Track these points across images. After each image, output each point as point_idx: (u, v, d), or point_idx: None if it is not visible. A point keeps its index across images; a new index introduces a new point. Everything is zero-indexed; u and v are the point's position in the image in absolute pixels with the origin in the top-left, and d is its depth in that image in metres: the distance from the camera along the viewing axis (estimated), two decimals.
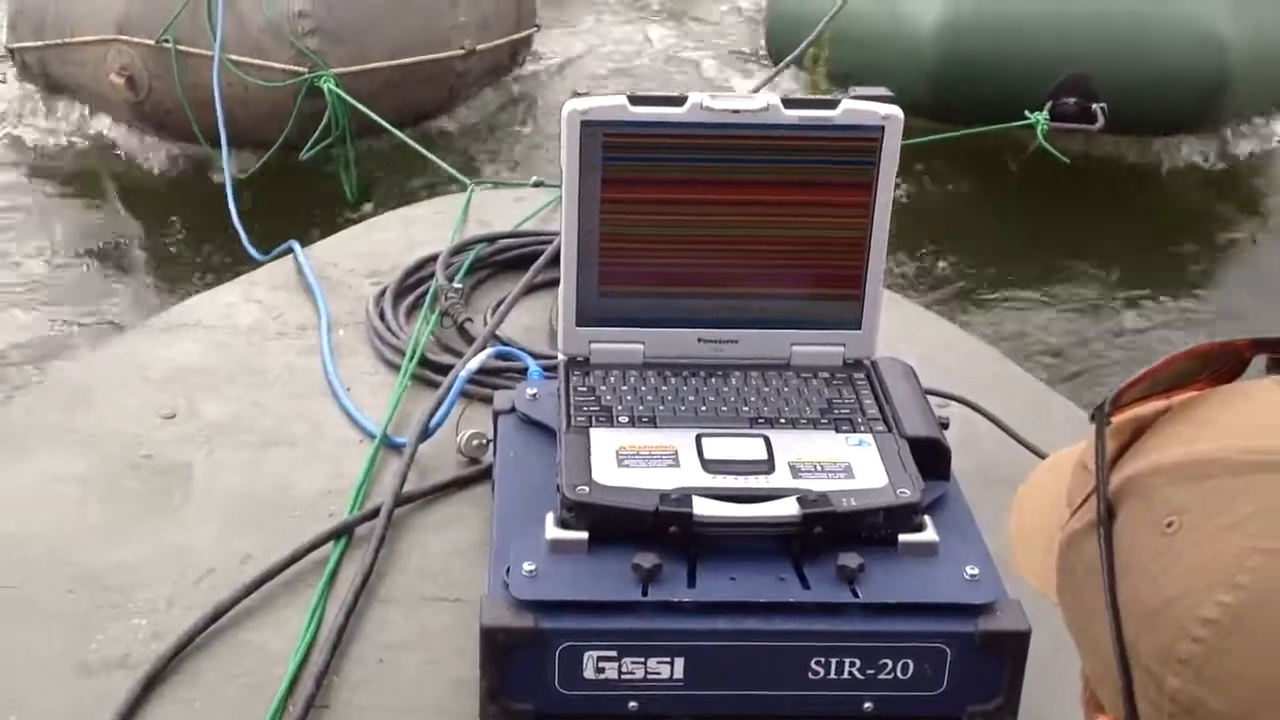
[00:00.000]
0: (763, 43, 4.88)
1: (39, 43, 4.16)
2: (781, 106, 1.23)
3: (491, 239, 1.81)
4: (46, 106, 4.32)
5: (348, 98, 3.61)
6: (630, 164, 1.25)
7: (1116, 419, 0.61)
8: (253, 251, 2.35)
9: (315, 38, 3.76)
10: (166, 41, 3.78)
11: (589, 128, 1.23)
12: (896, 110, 1.23)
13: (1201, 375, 0.62)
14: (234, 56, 3.72)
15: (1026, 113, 3.67)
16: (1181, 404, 0.61)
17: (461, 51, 4.06)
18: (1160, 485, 0.57)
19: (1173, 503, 0.56)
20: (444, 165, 2.73)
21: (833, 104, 1.23)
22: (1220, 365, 0.62)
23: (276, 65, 3.74)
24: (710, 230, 1.29)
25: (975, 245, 3.80)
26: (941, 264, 3.72)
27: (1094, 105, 3.81)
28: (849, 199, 1.27)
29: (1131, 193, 4.15)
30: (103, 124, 4.22)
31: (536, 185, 2.07)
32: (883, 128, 1.23)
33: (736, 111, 1.23)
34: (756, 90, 3.82)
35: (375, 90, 3.78)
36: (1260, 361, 0.62)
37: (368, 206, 3.72)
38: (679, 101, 1.23)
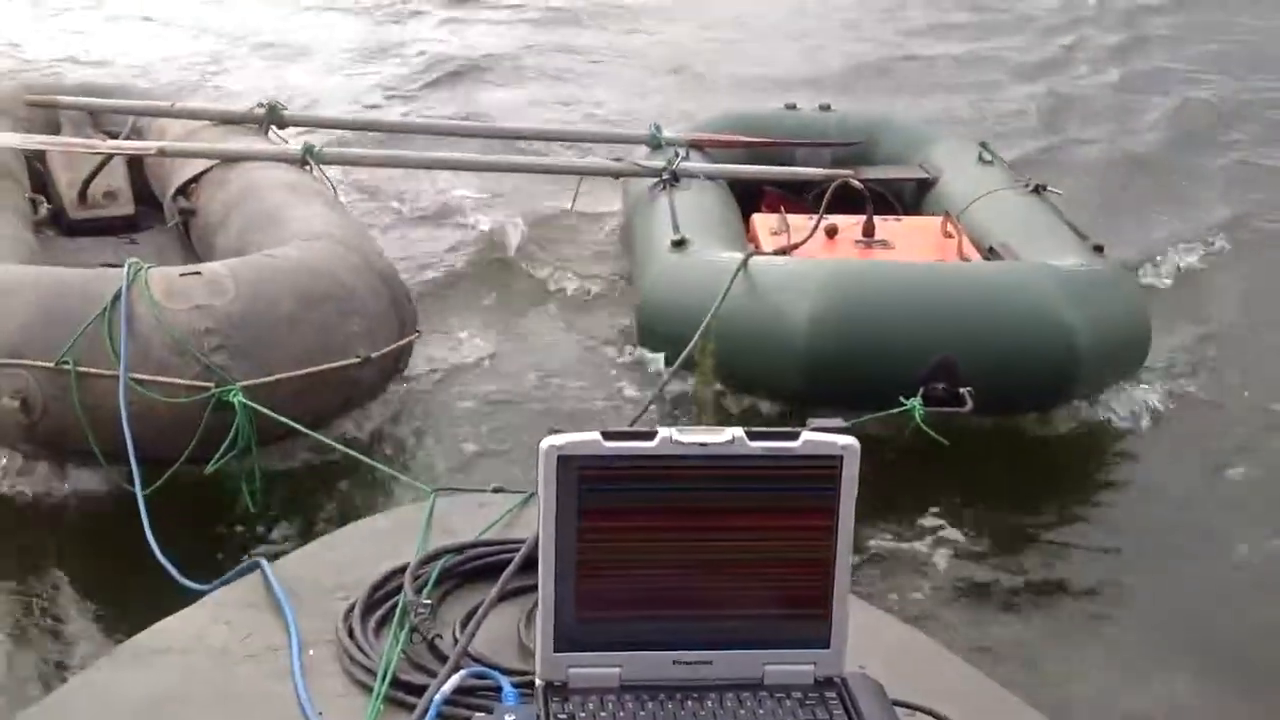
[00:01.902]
0: (634, 341, 5.07)
1: None
2: (746, 439, 1.34)
3: (458, 549, 1.83)
4: None
5: (260, 408, 3.66)
6: (605, 495, 1.34)
7: None
8: (185, 581, 2.34)
9: (222, 353, 3.81)
10: (66, 364, 3.76)
11: (565, 462, 1.32)
12: (853, 440, 1.36)
13: None
14: (137, 375, 3.73)
15: (901, 399, 3.95)
16: None
17: (358, 359, 4.15)
18: None
19: None
20: (398, 474, 2.79)
21: (793, 435, 1.35)
22: None
23: (182, 381, 3.75)
24: (683, 555, 1.37)
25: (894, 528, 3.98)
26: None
27: (962, 389, 4.08)
28: (813, 523, 1.37)
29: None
30: None
31: (496, 491, 2.12)
32: (841, 456, 1.35)
33: (704, 445, 1.33)
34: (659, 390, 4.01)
35: (277, 401, 3.83)
36: None
37: (332, 518, 3.78)
38: (649, 436, 1.33)
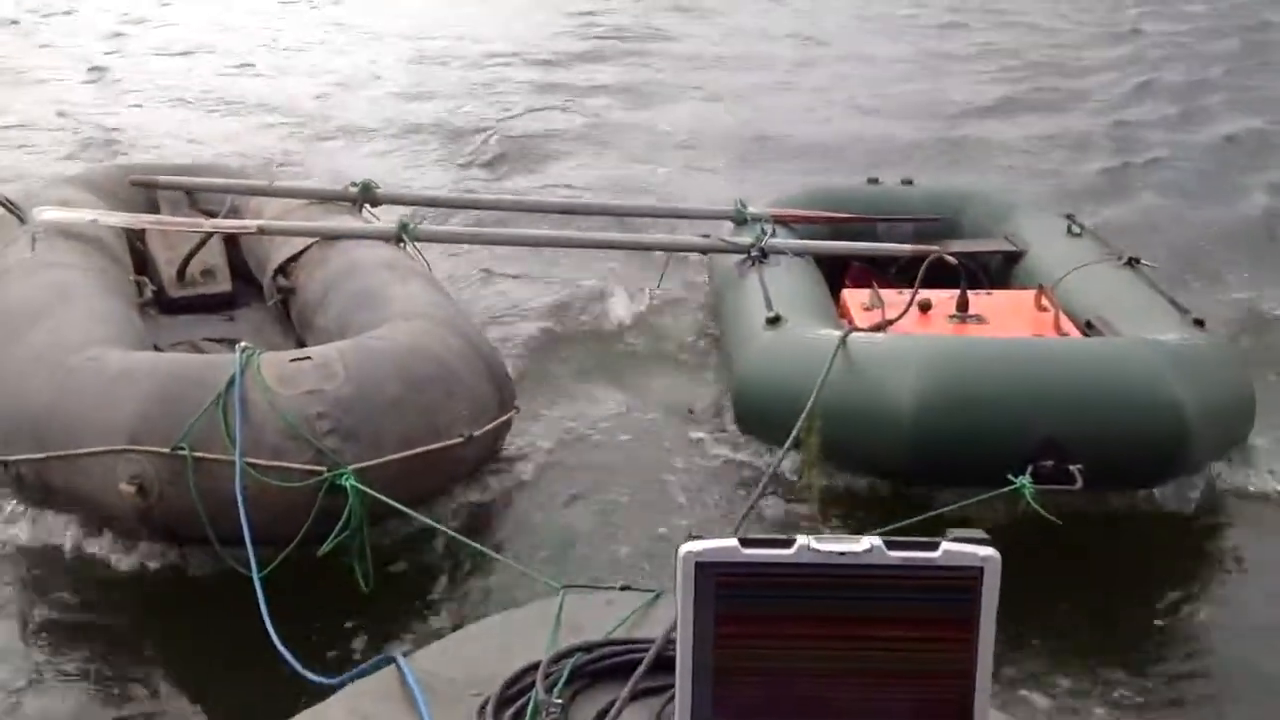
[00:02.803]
0: (731, 416, 5.08)
1: (40, 455, 4.12)
2: (884, 548, 1.34)
3: (589, 648, 1.85)
4: (34, 527, 4.26)
5: (372, 492, 3.71)
6: (742, 601, 1.34)
7: None
8: (310, 675, 2.36)
9: (333, 437, 3.87)
10: (182, 449, 3.84)
11: (703, 569, 1.32)
12: (994, 552, 1.34)
13: None
14: (252, 460, 3.80)
15: (1010, 477, 3.92)
16: None
17: (461, 439, 4.19)
18: None
19: None
20: (529, 571, 2.80)
21: (933, 545, 1.34)
22: None
23: (296, 466, 3.82)
24: (820, 663, 1.36)
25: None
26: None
27: (1071, 466, 4.04)
28: (952, 634, 1.35)
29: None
30: (99, 538, 4.16)
31: (624, 589, 2.15)
32: (982, 568, 1.34)
33: (842, 554, 1.33)
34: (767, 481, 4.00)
35: (385, 483, 3.88)
36: None
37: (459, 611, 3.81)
38: (787, 544, 1.33)
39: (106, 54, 13.53)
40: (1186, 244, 7.64)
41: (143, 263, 6.01)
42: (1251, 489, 4.67)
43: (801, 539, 1.33)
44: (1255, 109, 11.28)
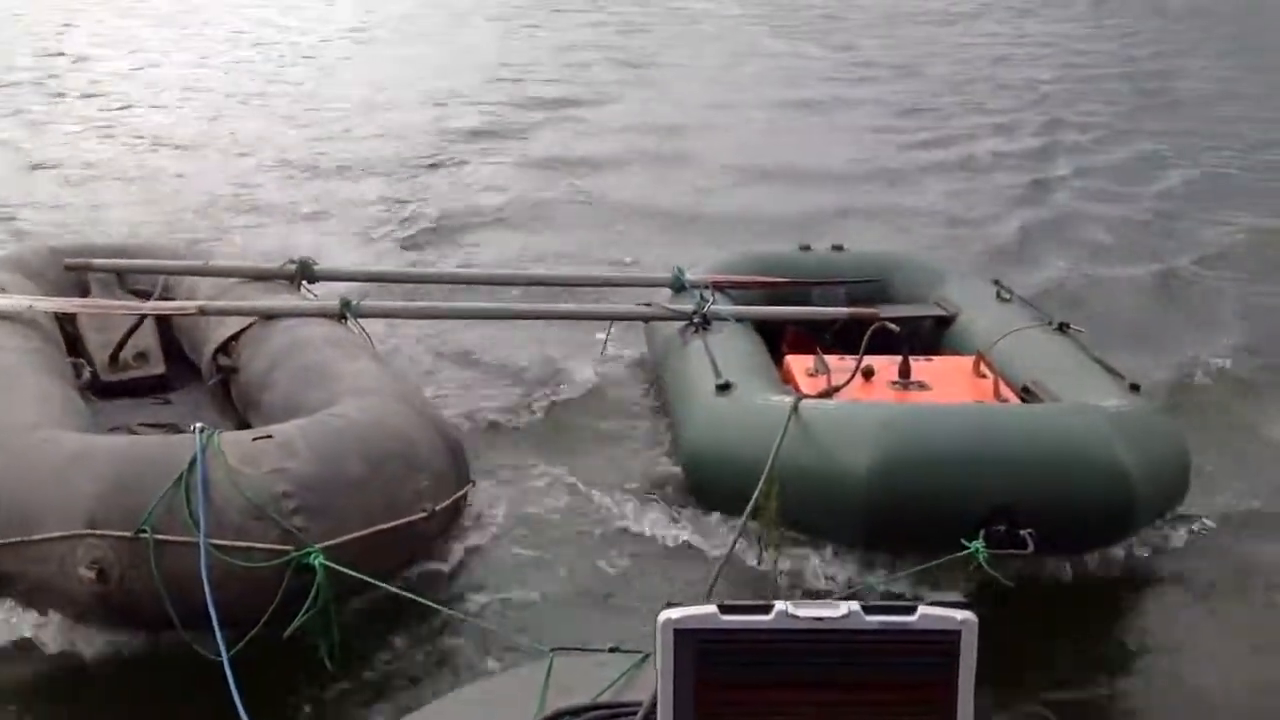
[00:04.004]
0: (681, 482, 5.13)
1: None
2: (862, 613, 1.36)
3: (576, 711, 1.89)
4: None
5: (341, 568, 3.70)
6: (722, 667, 1.36)
7: None
8: None
9: (299, 515, 3.85)
10: (144, 532, 3.78)
11: (683, 636, 1.34)
12: (971, 615, 1.37)
13: None
14: (216, 541, 3.76)
15: (963, 541, 4.01)
16: None
17: (424, 514, 4.20)
18: None
19: None
20: (518, 638, 2.81)
21: (910, 610, 1.37)
22: None
23: (262, 545, 3.79)
24: None
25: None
26: None
27: (1023, 531, 4.14)
28: (931, 696, 1.37)
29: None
30: (57, 625, 4.06)
31: (612, 651, 2.18)
32: (959, 631, 1.36)
33: (820, 619, 1.35)
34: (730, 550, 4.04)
35: (350, 560, 3.85)
36: None
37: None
38: (766, 609, 1.36)
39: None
40: (1107, 304, 7.89)
41: (74, 345, 5.93)
42: (1185, 548, 4.82)
43: (780, 605, 1.34)
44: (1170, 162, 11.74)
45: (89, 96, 15.46)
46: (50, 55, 18.85)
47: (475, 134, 13.35)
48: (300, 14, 25.39)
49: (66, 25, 22.48)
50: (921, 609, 1.35)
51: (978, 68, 18.96)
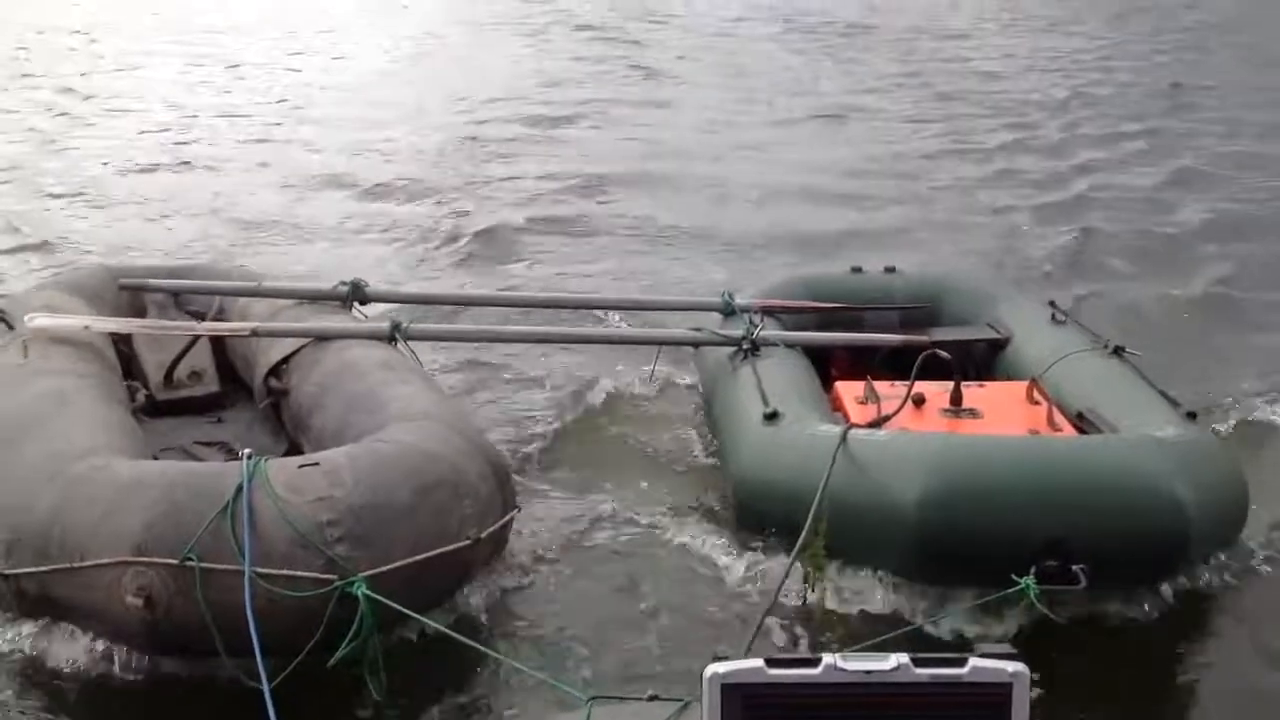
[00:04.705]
0: (729, 511, 5.08)
1: (44, 567, 4.04)
2: (912, 665, 1.34)
3: None
4: (36, 640, 4.16)
5: (384, 599, 3.69)
6: None
7: None
8: None
9: (344, 544, 3.85)
10: (190, 560, 3.80)
11: (729, 691, 1.32)
12: (1023, 667, 1.34)
13: None
14: (261, 569, 3.77)
15: (1014, 576, 3.95)
16: None
17: (469, 541, 4.19)
18: None
19: None
20: (556, 682, 2.79)
21: (961, 662, 1.34)
22: None
23: (306, 575, 3.79)
24: None
25: None
26: None
27: (1074, 566, 4.07)
28: None
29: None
30: (105, 652, 4.08)
31: (652, 699, 2.14)
32: (1011, 684, 1.34)
33: (869, 672, 1.33)
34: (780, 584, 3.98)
35: (395, 588, 3.86)
36: None
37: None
38: (814, 663, 1.34)
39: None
40: (1160, 325, 7.77)
41: (129, 366, 6.00)
42: (1241, 583, 4.72)
43: (828, 658, 1.33)
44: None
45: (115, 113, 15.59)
46: (101, 74, 19.06)
47: (514, 154, 13.41)
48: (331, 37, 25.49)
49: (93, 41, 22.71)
50: (972, 661, 1.33)
51: (1018, 84, 18.79)
